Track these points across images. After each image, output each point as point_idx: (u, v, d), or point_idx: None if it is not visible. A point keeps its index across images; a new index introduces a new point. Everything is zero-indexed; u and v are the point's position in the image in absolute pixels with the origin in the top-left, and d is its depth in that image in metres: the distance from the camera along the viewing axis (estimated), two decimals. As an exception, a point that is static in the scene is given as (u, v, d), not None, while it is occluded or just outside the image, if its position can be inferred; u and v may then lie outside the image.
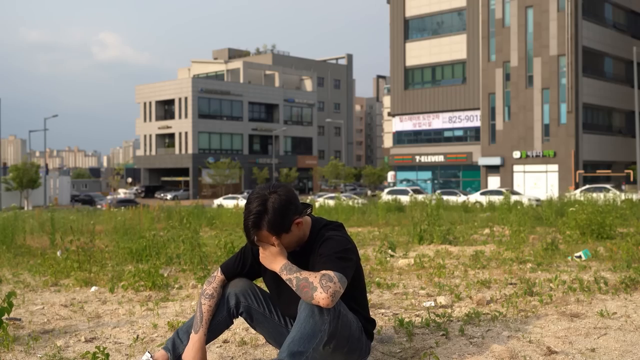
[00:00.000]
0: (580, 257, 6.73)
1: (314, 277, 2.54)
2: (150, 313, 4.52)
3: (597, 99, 47.82)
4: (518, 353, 3.17)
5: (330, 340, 2.60)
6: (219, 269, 2.95)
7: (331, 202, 23.36)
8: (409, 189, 38.44)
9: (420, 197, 25.56)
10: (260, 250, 2.71)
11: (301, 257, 2.75)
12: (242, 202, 37.31)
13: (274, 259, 2.68)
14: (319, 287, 2.50)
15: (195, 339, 2.81)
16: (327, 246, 2.65)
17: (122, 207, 20.06)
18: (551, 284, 5.10)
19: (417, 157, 51.72)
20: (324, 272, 2.55)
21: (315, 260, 2.65)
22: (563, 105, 45.30)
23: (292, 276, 2.59)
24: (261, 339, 3.55)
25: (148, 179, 74.06)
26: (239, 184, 69.18)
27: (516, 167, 46.64)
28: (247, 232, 2.67)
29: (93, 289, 5.68)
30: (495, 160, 47.04)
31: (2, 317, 3.68)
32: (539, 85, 45.50)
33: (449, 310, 4.24)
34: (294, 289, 2.57)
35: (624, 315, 3.95)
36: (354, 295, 2.84)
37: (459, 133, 50.35)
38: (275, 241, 2.67)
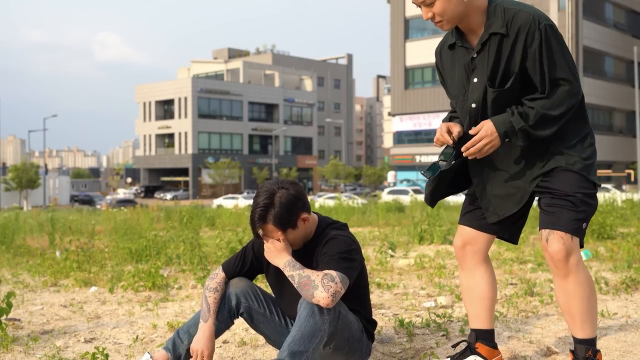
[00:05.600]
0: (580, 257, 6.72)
1: (316, 276, 2.54)
2: (150, 313, 4.51)
3: (597, 99, 47.85)
4: (518, 353, 3.16)
5: (331, 341, 2.60)
6: (220, 267, 2.95)
7: (331, 202, 23.35)
8: (409, 189, 38.43)
9: (420, 197, 25.55)
10: (265, 245, 2.71)
11: (305, 255, 2.75)
12: (241, 202, 37.32)
13: (278, 254, 2.68)
14: (321, 286, 2.50)
15: (205, 327, 2.80)
16: (331, 245, 2.66)
17: (122, 207, 20.07)
18: (551, 284, 5.09)
19: (417, 157, 51.75)
20: (326, 271, 2.55)
21: (319, 259, 2.65)
22: (563, 105, 45.30)
23: (295, 273, 2.59)
24: (261, 340, 3.54)
25: (148, 179, 74.07)
26: (238, 184, 69.20)
27: (516, 167, 46.64)
28: (252, 225, 2.68)
29: (92, 289, 5.67)
30: (496, 160, 47.03)
31: (2, 318, 3.67)
32: (539, 85, 45.56)
33: (450, 311, 4.23)
34: (295, 285, 2.58)
35: (625, 315, 3.94)
36: (357, 294, 2.83)
37: (459, 133, 50.35)
38: (281, 236, 2.67)
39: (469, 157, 2.57)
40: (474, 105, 2.62)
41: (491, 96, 2.56)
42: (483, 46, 2.55)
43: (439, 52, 2.77)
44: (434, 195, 2.86)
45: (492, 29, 2.52)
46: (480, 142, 2.51)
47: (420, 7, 2.55)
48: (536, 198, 2.70)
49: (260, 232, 2.68)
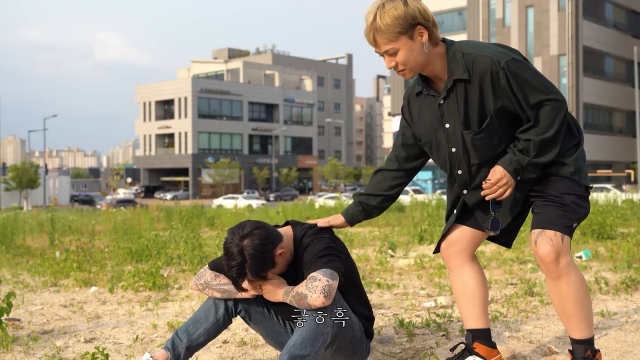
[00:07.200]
0: (580, 257, 6.72)
1: (301, 287, 2.56)
2: (150, 313, 4.51)
3: (597, 99, 47.85)
4: (518, 353, 3.16)
5: (333, 342, 2.61)
6: (207, 266, 2.94)
7: (331, 202, 23.35)
8: (409, 189, 38.41)
9: (420, 197, 25.55)
10: (263, 290, 2.70)
11: (290, 270, 2.76)
12: (241, 202, 37.28)
13: (276, 291, 2.67)
14: (308, 292, 2.52)
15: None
16: (307, 254, 2.67)
17: (122, 207, 20.09)
18: (552, 284, 5.08)
19: (417, 157, 51.56)
20: (308, 276, 2.57)
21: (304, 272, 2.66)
22: (563, 105, 45.27)
23: (290, 297, 2.61)
24: (261, 340, 3.54)
25: (148, 179, 74.06)
26: (238, 184, 69.20)
27: (516, 167, 46.60)
28: (236, 284, 2.67)
29: (92, 289, 5.67)
30: (496, 160, 46.97)
31: (2, 318, 3.67)
32: (539, 85, 45.50)
33: (450, 311, 4.23)
34: (295, 306, 2.60)
35: (625, 315, 3.94)
36: (354, 292, 2.83)
37: (459, 133, 50.29)
38: (267, 277, 2.67)
39: (487, 199, 2.61)
40: (454, 150, 2.67)
41: (469, 139, 2.61)
42: (449, 92, 2.59)
43: (407, 99, 2.82)
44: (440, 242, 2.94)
45: (454, 75, 2.55)
46: (495, 186, 2.55)
47: (382, 56, 2.56)
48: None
49: (246, 284, 2.68)
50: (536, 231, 2.56)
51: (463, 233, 2.85)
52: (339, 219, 2.92)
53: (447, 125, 2.64)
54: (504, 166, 2.54)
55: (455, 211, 2.83)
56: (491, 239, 2.88)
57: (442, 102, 2.62)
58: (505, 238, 2.87)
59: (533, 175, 2.56)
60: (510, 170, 2.53)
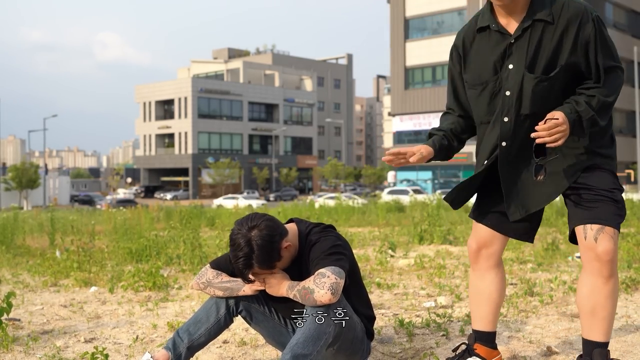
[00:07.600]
0: (580, 257, 6.72)
1: (309, 282, 2.56)
2: (150, 313, 4.51)
3: (597, 99, 47.78)
4: (518, 353, 3.16)
5: (335, 342, 2.61)
6: (208, 265, 2.94)
7: (331, 202, 23.36)
8: (409, 189, 38.44)
9: (420, 197, 25.55)
10: (266, 284, 2.71)
11: (293, 266, 2.76)
12: (241, 202, 37.28)
13: (279, 285, 2.68)
14: (315, 287, 2.52)
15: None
16: (315, 250, 2.67)
17: (122, 207, 20.09)
18: (552, 284, 5.09)
19: (417, 157, 51.52)
20: (316, 272, 2.57)
21: (309, 268, 2.66)
22: (563, 105, 45.28)
23: (295, 291, 2.61)
24: (261, 340, 3.54)
25: (148, 179, 74.05)
26: (238, 184, 69.19)
27: (516, 167, 46.56)
28: (240, 274, 2.67)
29: (92, 289, 5.67)
30: (496, 160, 46.93)
31: (2, 318, 3.67)
32: (539, 85, 45.49)
33: (450, 311, 4.23)
34: (300, 302, 2.60)
35: (625, 315, 3.94)
36: (356, 293, 2.84)
37: (459, 133, 50.23)
38: (273, 270, 2.68)
39: (537, 142, 2.40)
40: (508, 93, 2.53)
41: (531, 84, 2.48)
42: (524, 32, 2.48)
43: (461, 37, 2.68)
44: (461, 198, 2.73)
45: (536, 15, 2.45)
46: (556, 128, 2.35)
47: None
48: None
49: (251, 275, 2.69)
50: (594, 227, 2.44)
51: (494, 236, 2.74)
52: (427, 149, 2.68)
53: (510, 66, 2.51)
54: (565, 113, 2.38)
55: (486, 162, 2.64)
56: (516, 236, 2.76)
57: (513, 40, 2.49)
58: (529, 234, 2.76)
59: (581, 135, 2.44)
60: (570, 120, 2.37)
